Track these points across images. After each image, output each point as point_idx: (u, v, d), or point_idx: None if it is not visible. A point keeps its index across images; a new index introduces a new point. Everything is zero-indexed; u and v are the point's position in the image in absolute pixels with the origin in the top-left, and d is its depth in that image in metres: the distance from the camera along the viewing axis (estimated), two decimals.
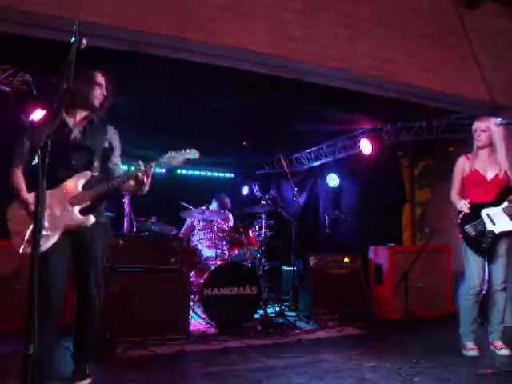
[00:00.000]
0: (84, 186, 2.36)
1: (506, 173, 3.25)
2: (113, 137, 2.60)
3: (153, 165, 2.36)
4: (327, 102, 5.09)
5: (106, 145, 2.55)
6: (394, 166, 6.66)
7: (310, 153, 7.69)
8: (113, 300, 3.60)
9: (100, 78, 2.47)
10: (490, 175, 3.28)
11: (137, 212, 4.77)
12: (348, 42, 3.92)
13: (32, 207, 2.15)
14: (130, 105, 5.19)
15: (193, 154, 2.43)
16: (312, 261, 4.96)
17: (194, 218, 5.41)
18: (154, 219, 4.98)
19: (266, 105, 5.35)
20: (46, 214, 2.21)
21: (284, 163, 5.19)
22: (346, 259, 5.06)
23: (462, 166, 3.39)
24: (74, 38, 1.61)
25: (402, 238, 6.52)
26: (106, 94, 2.49)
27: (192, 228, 5.53)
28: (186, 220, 5.59)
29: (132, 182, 2.43)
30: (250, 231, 4.86)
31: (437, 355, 3.18)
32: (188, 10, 3.34)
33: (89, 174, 2.39)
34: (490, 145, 3.30)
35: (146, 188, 2.43)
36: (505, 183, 3.26)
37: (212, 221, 5.24)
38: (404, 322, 4.33)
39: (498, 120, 3.13)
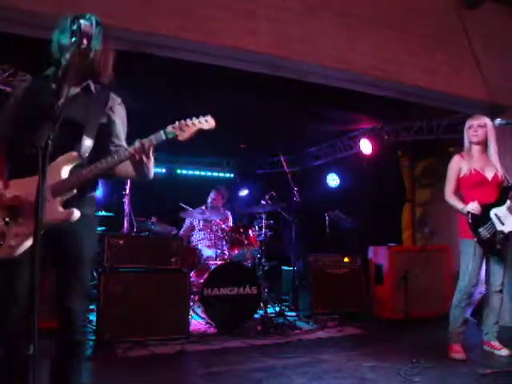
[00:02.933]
0: (70, 171, 1.82)
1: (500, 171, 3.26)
2: (115, 109, 2.04)
3: (152, 138, 1.81)
4: (327, 102, 5.09)
5: (104, 120, 1.97)
6: (394, 166, 6.66)
7: (310, 153, 7.69)
8: (113, 300, 3.59)
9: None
10: (489, 175, 3.25)
11: (137, 212, 4.77)
12: (348, 42, 3.92)
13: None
14: (129, 105, 5.19)
15: (209, 123, 1.86)
16: (312, 261, 4.97)
17: (194, 218, 5.41)
18: (154, 219, 4.97)
19: (266, 105, 5.35)
20: (18, 206, 1.75)
21: (284, 163, 5.20)
22: (346, 259, 5.06)
23: (458, 165, 3.31)
24: (74, 38, 1.61)
25: (402, 238, 6.52)
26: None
27: (192, 228, 5.53)
28: (185, 220, 5.59)
29: (129, 165, 1.90)
30: (250, 231, 4.86)
31: (437, 355, 3.17)
32: (188, 10, 3.35)
33: (75, 154, 1.82)
34: (485, 142, 3.28)
35: (148, 171, 1.90)
36: (502, 182, 3.26)
37: (212, 221, 5.24)
38: (404, 322, 4.34)
39: (498, 120, 3.12)
